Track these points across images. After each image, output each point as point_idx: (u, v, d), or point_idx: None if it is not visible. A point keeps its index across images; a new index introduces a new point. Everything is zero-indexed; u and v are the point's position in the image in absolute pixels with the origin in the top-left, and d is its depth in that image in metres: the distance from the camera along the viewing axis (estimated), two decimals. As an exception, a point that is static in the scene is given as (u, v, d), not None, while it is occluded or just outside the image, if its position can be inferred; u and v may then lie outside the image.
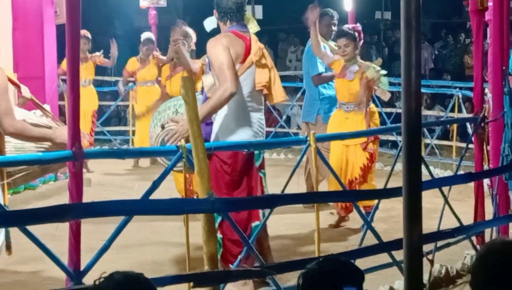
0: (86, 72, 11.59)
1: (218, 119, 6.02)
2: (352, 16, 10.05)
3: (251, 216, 5.95)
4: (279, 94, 6.35)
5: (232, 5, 6.11)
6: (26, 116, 5.84)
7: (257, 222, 5.91)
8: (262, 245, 6.14)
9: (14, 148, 5.82)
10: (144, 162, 12.48)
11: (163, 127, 6.06)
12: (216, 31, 6.30)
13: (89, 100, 11.75)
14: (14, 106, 5.95)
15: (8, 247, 5.45)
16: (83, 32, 11.04)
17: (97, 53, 12.17)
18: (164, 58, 11.61)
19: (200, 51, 9.52)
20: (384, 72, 8.02)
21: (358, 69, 7.92)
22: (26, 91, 5.94)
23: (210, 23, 6.35)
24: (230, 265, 5.67)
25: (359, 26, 8.29)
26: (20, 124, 5.52)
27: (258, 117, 6.13)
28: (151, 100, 11.89)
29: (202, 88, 6.21)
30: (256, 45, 6.11)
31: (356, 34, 8.04)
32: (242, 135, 6.00)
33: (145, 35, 12.14)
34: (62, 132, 5.50)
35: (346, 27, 8.22)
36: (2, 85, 5.42)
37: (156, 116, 6.51)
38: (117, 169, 12.01)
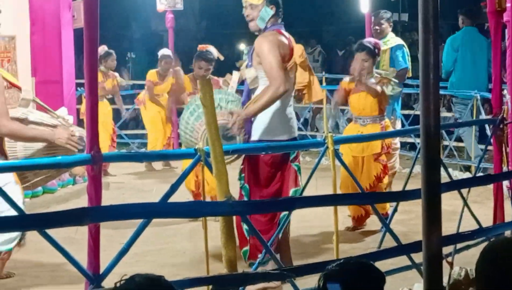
0: (110, 86, 11.78)
1: (261, 116, 6.14)
2: (369, 18, 10.03)
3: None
4: (318, 93, 6.65)
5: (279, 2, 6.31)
6: (33, 114, 5.89)
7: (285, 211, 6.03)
8: (284, 239, 6.30)
9: (23, 147, 5.88)
10: (157, 165, 12.53)
11: None
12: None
13: (107, 113, 11.87)
14: (17, 105, 5.98)
15: (19, 241, 5.50)
16: (102, 47, 11.21)
17: (117, 75, 12.32)
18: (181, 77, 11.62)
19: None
20: (398, 89, 8.08)
21: (373, 82, 7.94)
22: (28, 93, 5.98)
23: (262, 22, 6.28)
24: (259, 255, 5.68)
25: (380, 43, 8.32)
26: (15, 125, 5.58)
27: (293, 113, 6.38)
28: (161, 106, 12.00)
29: (243, 80, 6.40)
30: (299, 47, 6.27)
31: (376, 50, 8.05)
32: (284, 131, 6.22)
33: (162, 52, 12.17)
34: (60, 133, 5.54)
35: (367, 41, 8.22)
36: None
37: (196, 109, 6.61)
38: (133, 172, 12.06)
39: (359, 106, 8.05)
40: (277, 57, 6.02)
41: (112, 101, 12.60)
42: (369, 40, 8.24)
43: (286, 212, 5.89)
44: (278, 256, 5.46)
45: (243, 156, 6.22)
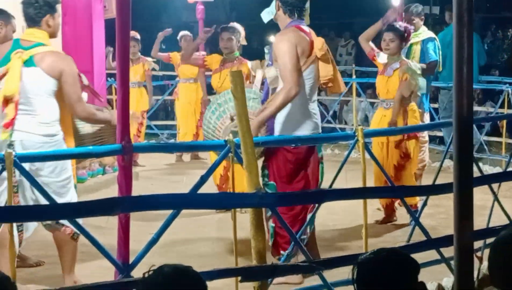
0: (136, 74, 11.60)
1: (283, 111, 6.14)
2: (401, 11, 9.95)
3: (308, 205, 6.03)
4: (342, 85, 6.56)
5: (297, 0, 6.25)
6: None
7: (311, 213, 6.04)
8: (311, 234, 6.30)
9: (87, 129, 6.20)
10: (186, 156, 12.55)
11: (232, 119, 6.13)
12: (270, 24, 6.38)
13: (138, 101, 11.81)
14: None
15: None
16: (132, 33, 11.09)
17: (150, 59, 12.19)
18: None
19: (248, 46, 9.55)
20: (422, 80, 8.00)
21: (398, 66, 7.89)
22: (84, 79, 6.10)
23: (267, 15, 6.40)
24: (282, 252, 5.70)
25: (411, 28, 8.27)
26: (90, 108, 5.81)
27: (316, 108, 6.36)
28: (193, 97, 11.94)
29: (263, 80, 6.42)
30: (319, 40, 6.24)
31: (406, 34, 8.00)
32: (307, 127, 6.19)
33: (181, 33, 12.16)
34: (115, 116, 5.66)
35: (397, 23, 8.18)
36: (74, 74, 5.66)
37: (217, 108, 6.60)
38: (162, 163, 12.09)
39: (383, 88, 8.04)
40: (292, 57, 6.01)
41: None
42: (399, 23, 8.19)
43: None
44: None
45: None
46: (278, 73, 6.14)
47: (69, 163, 5.86)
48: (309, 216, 5.96)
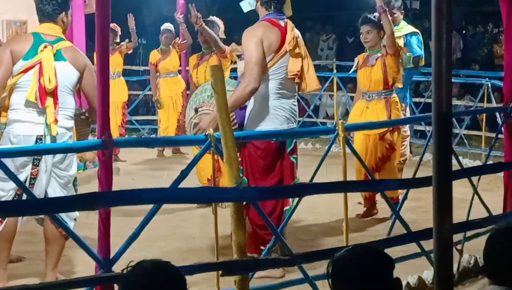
0: (115, 64, 11.56)
1: (251, 105, 6.13)
2: (381, 6, 9.96)
3: (283, 200, 6.01)
4: (312, 83, 6.38)
5: None
6: None
7: (287, 207, 6.01)
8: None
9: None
10: (167, 151, 12.54)
11: (196, 110, 6.11)
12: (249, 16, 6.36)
13: (118, 91, 11.78)
14: None
15: None
16: (111, 25, 11.06)
17: (122, 43, 12.17)
18: (184, 42, 11.63)
19: (229, 39, 9.55)
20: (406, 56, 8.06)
21: (380, 55, 7.91)
22: None
23: (247, 5, 6.38)
24: (261, 248, 5.69)
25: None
26: None
27: (290, 103, 6.22)
28: (174, 91, 11.93)
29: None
30: (291, 34, 6.16)
31: (380, 22, 8.01)
32: (275, 122, 6.10)
33: (164, 26, 12.15)
34: None
35: (371, 15, 8.19)
36: (93, 68, 5.81)
37: (193, 98, 6.60)
38: (143, 158, 12.08)
39: (365, 80, 8.05)
40: (257, 53, 5.95)
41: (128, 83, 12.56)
42: (374, 14, 8.20)
43: (289, 207, 5.92)
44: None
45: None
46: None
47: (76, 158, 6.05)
48: (287, 207, 5.97)
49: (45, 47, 5.76)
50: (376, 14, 8.15)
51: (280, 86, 6.14)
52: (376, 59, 7.94)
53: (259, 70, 5.92)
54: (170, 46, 11.89)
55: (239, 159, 6.10)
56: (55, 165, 5.76)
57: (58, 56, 5.78)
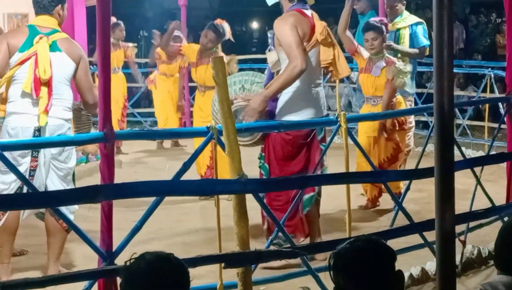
0: (117, 60, 11.56)
1: (284, 95, 6.16)
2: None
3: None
4: (344, 69, 6.54)
5: None
6: None
7: (311, 193, 6.05)
8: (312, 223, 6.42)
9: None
10: (166, 143, 12.54)
11: (231, 103, 6.04)
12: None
13: (118, 86, 11.77)
14: None
15: None
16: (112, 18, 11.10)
17: (131, 44, 12.16)
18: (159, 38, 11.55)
19: (233, 31, 9.53)
20: (407, 77, 8.01)
21: (385, 65, 7.86)
22: None
23: None
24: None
25: (385, 20, 8.30)
26: (97, 96, 5.92)
27: (320, 92, 6.35)
28: (171, 87, 11.93)
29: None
30: (321, 24, 6.25)
31: (383, 27, 8.01)
32: (308, 111, 6.21)
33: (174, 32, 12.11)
34: None
35: (373, 20, 8.19)
36: (87, 61, 5.78)
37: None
38: (145, 150, 12.08)
39: (369, 87, 8.02)
40: (295, 36, 6.00)
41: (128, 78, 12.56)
42: (374, 19, 8.19)
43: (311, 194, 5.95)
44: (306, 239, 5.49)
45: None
46: (279, 57, 6.14)
47: (75, 151, 6.07)
48: (310, 194, 6.01)
49: (41, 38, 5.77)
50: (377, 18, 8.15)
51: (310, 75, 6.20)
52: (381, 70, 7.89)
53: (302, 51, 5.99)
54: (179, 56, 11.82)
55: (263, 146, 6.16)
56: (54, 157, 5.77)
57: (53, 47, 5.79)
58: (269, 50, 6.35)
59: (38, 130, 5.69)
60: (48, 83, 5.70)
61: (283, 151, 6.17)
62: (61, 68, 5.79)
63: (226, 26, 9.18)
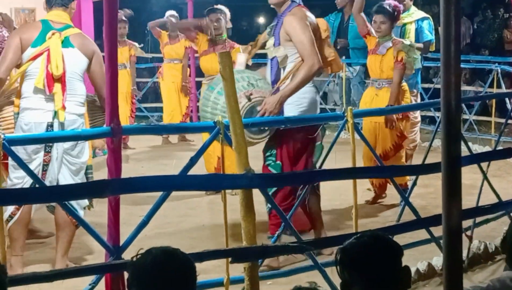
0: (122, 57, 11.56)
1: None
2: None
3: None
4: (339, 63, 6.65)
5: None
6: None
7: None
8: (315, 219, 6.45)
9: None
10: (173, 138, 12.54)
11: (249, 98, 5.99)
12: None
13: (126, 82, 11.79)
14: None
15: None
16: (120, 15, 11.13)
17: (137, 44, 12.20)
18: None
19: (237, 27, 9.53)
20: (417, 55, 8.00)
21: (391, 45, 7.87)
22: None
23: None
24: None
25: (401, 6, 8.24)
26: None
27: (316, 88, 6.36)
28: (177, 77, 11.95)
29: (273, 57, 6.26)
30: (323, 22, 6.28)
31: (396, 13, 7.98)
32: (314, 109, 6.22)
33: (168, 12, 12.15)
34: None
35: (387, 3, 8.15)
36: (101, 55, 5.81)
37: (222, 92, 6.33)
38: (151, 145, 12.09)
39: (376, 68, 8.02)
40: (309, 33, 5.99)
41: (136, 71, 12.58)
42: (389, 3, 8.14)
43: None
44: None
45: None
46: (287, 52, 6.10)
47: (88, 145, 6.10)
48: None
49: (53, 34, 5.81)
50: (391, 2, 8.11)
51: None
52: (388, 49, 7.90)
53: (316, 49, 5.98)
54: (179, 34, 11.84)
55: (273, 143, 6.14)
56: (66, 151, 5.81)
57: (66, 43, 5.82)
58: (274, 46, 6.29)
59: (51, 126, 5.72)
60: (61, 79, 5.72)
61: (294, 149, 6.16)
62: (73, 64, 5.82)
63: (223, 7, 9.16)
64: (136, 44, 12.18)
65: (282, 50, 6.14)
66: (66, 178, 5.80)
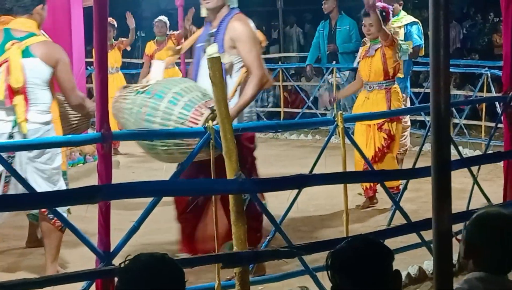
0: (113, 60, 11.55)
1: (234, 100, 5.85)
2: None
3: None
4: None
5: None
6: None
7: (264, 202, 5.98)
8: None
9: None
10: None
11: (212, 109, 5.75)
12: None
13: (117, 86, 11.76)
14: None
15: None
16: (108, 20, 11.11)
17: (121, 39, 12.21)
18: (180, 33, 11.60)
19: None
20: (405, 46, 8.05)
21: (380, 46, 7.91)
22: None
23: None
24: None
25: (390, 7, 8.26)
26: (81, 97, 5.95)
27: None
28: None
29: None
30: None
31: (384, 14, 8.00)
32: (253, 117, 6.10)
33: (158, 18, 12.20)
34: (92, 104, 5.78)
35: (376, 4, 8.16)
36: (68, 62, 5.77)
37: (177, 98, 5.80)
38: (141, 151, 12.01)
39: (365, 71, 8.06)
40: (258, 45, 5.84)
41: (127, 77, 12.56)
42: (377, 5, 8.17)
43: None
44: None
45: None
46: (233, 61, 5.83)
47: (60, 151, 5.93)
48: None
49: (13, 44, 5.67)
50: (380, 4, 8.13)
51: None
52: (376, 50, 7.93)
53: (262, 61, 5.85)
54: (166, 38, 11.89)
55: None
56: (32, 160, 5.68)
57: (26, 53, 5.67)
58: (220, 52, 5.75)
59: (11, 136, 5.62)
60: (22, 91, 5.61)
61: (250, 159, 6.00)
62: (34, 74, 5.68)
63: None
64: (121, 38, 12.20)
65: (227, 57, 5.82)
66: (40, 185, 5.65)
